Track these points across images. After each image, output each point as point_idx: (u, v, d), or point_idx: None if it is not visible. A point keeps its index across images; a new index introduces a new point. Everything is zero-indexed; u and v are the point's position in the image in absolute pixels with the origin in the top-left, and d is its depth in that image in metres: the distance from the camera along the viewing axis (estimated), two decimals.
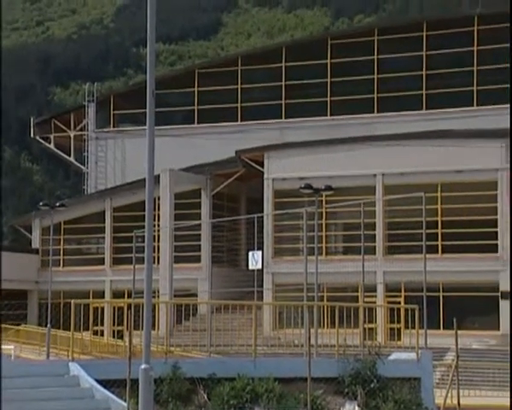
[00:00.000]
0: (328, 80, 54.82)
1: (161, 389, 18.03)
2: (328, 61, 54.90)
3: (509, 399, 34.07)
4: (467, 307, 45.26)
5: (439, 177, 46.83)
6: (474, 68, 51.59)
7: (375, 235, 47.57)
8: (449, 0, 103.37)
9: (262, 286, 45.70)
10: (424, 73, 52.67)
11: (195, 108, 58.44)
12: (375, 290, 46.53)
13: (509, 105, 50.08)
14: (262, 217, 45.35)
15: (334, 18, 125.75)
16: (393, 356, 21.65)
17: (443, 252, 46.75)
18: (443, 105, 51.79)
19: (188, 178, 53.00)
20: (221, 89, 57.73)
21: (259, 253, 33.55)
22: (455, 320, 24.53)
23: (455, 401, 23.72)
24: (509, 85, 50.46)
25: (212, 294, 44.42)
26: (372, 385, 19.72)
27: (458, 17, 56.17)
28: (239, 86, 57.28)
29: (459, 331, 25.80)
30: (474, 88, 51.60)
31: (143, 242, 14.55)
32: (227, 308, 36.46)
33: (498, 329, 45.49)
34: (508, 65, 50.47)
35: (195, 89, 58.42)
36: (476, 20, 51.75)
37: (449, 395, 24.15)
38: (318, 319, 28.75)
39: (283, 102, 56.10)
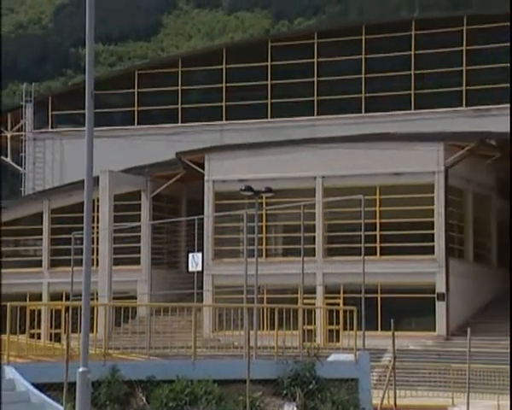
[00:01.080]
0: (269, 82, 55.00)
1: (99, 393, 17.89)
2: (269, 63, 55.08)
3: (442, 399, 34.59)
4: (404, 309, 45.79)
5: (377, 179, 47.29)
6: (412, 72, 52.22)
7: (314, 237, 47.86)
8: (387, 4, 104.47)
9: (202, 288, 45.63)
10: (363, 76, 53.15)
11: (135, 109, 58.13)
12: (314, 292, 46.80)
13: (445, 109, 50.86)
14: (202, 219, 45.28)
15: (275, 20, 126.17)
16: (332, 357, 21.80)
17: (381, 254, 47.22)
18: (382, 108, 52.32)
19: (127, 180, 52.68)
20: (161, 90, 57.52)
21: (199, 255, 33.45)
22: (392, 321, 24.80)
23: (392, 402, 23.98)
24: (445, 89, 51.24)
25: (151, 296, 44.19)
26: (311, 386, 19.83)
27: (396, 21, 56.80)
28: (179, 88, 57.13)
29: (396, 332, 26.09)
30: (412, 92, 52.22)
31: (82, 244, 14.42)
32: (166, 311, 36.14)
33: (434, 330, 46.11)
34: (446, 69, 51.23)
35: (135, 90, 58.11)
36: (414, 25, 52.40)
37: (386, 395, 24.39)
38: (258, 320, 28.80)
39: (224, 103, 56.12)
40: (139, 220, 51.78)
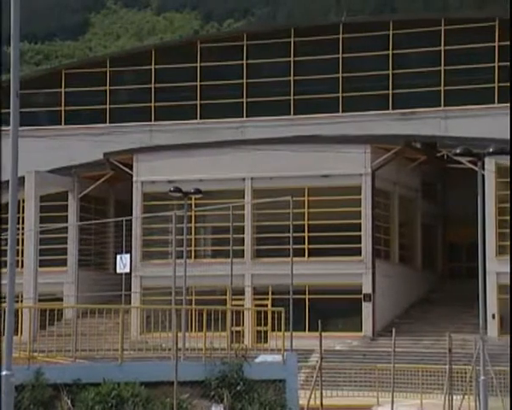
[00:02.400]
0: (198, 84, 54.91)
1: (23, 396, 17.65)
2: (198, 64, 54.99)
3: (368, 398, 34.99)
4: (331, 310, 46.19)
5: (306, 181, 47.62)
6: (340, 75, 52.69)
7: (243, 238, 47.95)
8: (315, 8, 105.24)
9: (130, 290, 45.32)
10: (292, 78, 53.44)
11: (62, 108, 57.43)
12: (242, 294, 46.88)
13: (372, 112, 51.43)
14: (130, 220, 44.98)
15: (204, 22, 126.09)
16: (260, 359, 21.87)
17: (309, 255, 47.54)
18: (311, 110, 52.66)
19: (54, 180, 52.03)
20: (89, 90, 56.95)
21: (127, 256, 33.23)
22: (319, 322, 25.01)
23: (318, 402, 24.17)
24: (372, 92, 51.81)
25: (78, 298, 43.74)
26: (238, 388, 19.86)
27: (325, 25, 57.25)
28: (107, 88, 56.65)
29: (324, 333, 26.30)
30: (340, 94, 52.68)
31: (7, 245, 14.20)
32: (93, 312, 35.88)
33: (361, 330, 46.62)
34: (373, 72, 51.80)
35: (62, 89, 57.42)
36: (341, 28, 52.89)
37: (312, 395, 24.58)
38: (186, 322, 28.73)
39: (153, 104, 55.83)
40: (66, 221, 51.20)
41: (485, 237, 32.16)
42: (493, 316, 44.25)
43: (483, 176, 29.92)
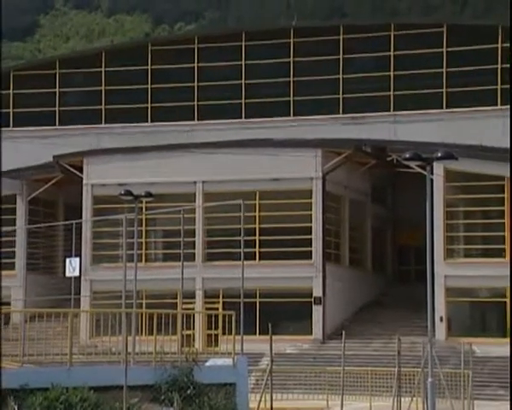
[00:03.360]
0: (149, 86, 54.68)
1: None
2: (149, 67, 54.77)
3: (317, 401, 35.15)
4: (282, 313, 46.31)
5: (257, 185, 47.70)
6: (291, 79, 52.87)
7: (194, 242, 47.87)
8: (266, 12, 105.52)
9: (80, 293, 44.96)
10: (243, 82, 53.48)
11: (11, 110, 56.79)
12: (193, 297, 46.81)
13: (322, 116, 51.68)
14: (80, 223, 44.63)
15: (155, 24, 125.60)
16: (210, 362, 21.84)
17: (260, 259, 47.61)
18: (262, 114, 52.77)
19: (2, 183, 51.38)
20: (38, 92, 56.42)
21: (77, 260, 32.97)
22: (270, 326, 25.07)
23: (268, 405, 24.22)
24: (322, 96, 52.07)
25: (26, 302, 43.29)
26: (188, 392, 19.83)
27: (275, 29, 57.40)
28: (57, 90, 56.18)
29: (274, 337, 26.40)
30: (291, 98, 52.85)
31: None
32: (42, 317, 35.48)
33: (311, 333, 46.80)
34: (324, 76, 52.07)
35: (11, 91, 56.79)
36: (292, 32, 53.09)
37: (263, 399, 24.62)
38: (136, 326, 28.58)
39: (103, 107, 55.48)
40: (14, 224, 50.65)
41: (433, 240, 32.53)
42: (441, 319, 44.73)
43: (432, 180, 30.26)
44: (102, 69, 55.60)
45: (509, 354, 42.08)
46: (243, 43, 53.54)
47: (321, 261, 47.20)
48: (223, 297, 46.29)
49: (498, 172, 45.18)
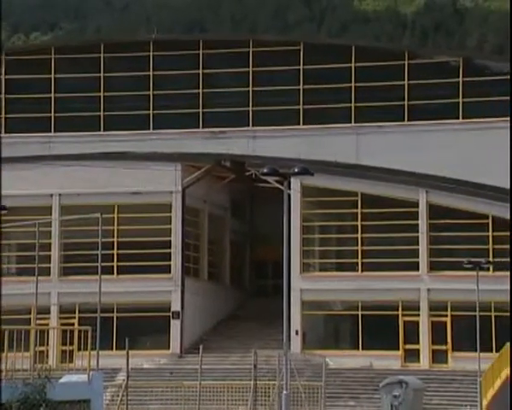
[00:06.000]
0: (3, 96, 53.29)
1: None
2: (3, 76, 53.39)
3: None
4: (140, 328, 46.01)
5: (116, 198, 47.29)
6: (150, 92, 52.53)
7: (50, 256, 46.97)
8: (125, 24, 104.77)
9: None
10: (102, 94, 52.87)
11: None
12: (48, 312, 45.89)
13: (182, 130, 51.70)
14: None
15: (10, 33, 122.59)
16: (64, 379, 21.43)
17: (118, 273, 47.17)
18: (121, 127, 52.21)
19: None
20: None
21: None
22: (127, 341, 24.87)
23: None
24: (182, 110, 52.14)
25: None
26: (41, 409, 19.40)
27: (135, 41, 57.03)
28: None
29: (132, 351, 26.19)
30: (151, 111, 52.58)
31: None
32: None
33: (169, 348, 46.66)
34: (184, 91, 52.14)
35: None
36: (152, 46, 52.94)
37: None
38: None
39: None
40: None
41: (290, 254, 33.04)
42: (296, 332, 45.48)
43: (289, 195, 30.76)
44: None
45: (359, 367, 43.45)
46: (102, 55, 52.98)
47: (180, 275, 47.19)
48: (79, 312, 45.57)
49: (352, 187, 46.42)
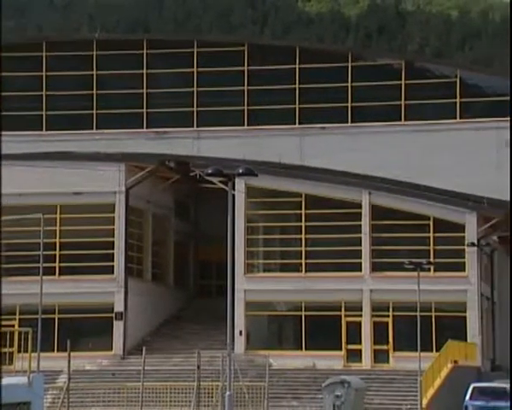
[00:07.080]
0: None
1: None
2: None
3: None
4: (82, 329, 45.63)
5: (58, 198, 46.82)
6: (94, 92, 52.17)
7: None
8: (68, 22, 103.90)
9: None
10: (44, 93, 52.34)
11: None
12: None
13: (126, 130, 51.42)
14: None
15: None
16: (4, 381, 21.13)
17: (60, 274, 46.72)
18: (62, 127, 51.80)
19: None
20: None
21: None
22: (68, 342, 24.63)
23: None
24: (126, 110, 51.86)
25: None
26: None
27: (77, 40, 56.58)
28: None
29: (73, 353, 25.96)
30: (94, 111, 52.20)
31: None
32: None
33: (112, 349, 46.32)
34: (128, 91, 51.87)
35: None
36: (95, 45, 52.51)
37: None
38: None
39: None
40: None
41: (234, 255, 33.07)
42: (240, 332, 45.51)
43: (233, 196, 30.77)
44: None
45: (302, 367, 43.68)
46: (44, 54, 52.41)
47: (123, 276, 46.89)
48: (19, 314, 45.00)
49: (296, 188, 46.61)
